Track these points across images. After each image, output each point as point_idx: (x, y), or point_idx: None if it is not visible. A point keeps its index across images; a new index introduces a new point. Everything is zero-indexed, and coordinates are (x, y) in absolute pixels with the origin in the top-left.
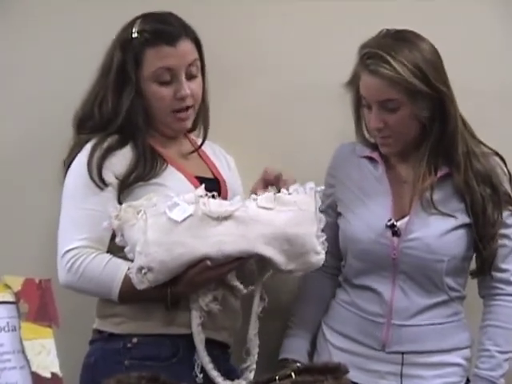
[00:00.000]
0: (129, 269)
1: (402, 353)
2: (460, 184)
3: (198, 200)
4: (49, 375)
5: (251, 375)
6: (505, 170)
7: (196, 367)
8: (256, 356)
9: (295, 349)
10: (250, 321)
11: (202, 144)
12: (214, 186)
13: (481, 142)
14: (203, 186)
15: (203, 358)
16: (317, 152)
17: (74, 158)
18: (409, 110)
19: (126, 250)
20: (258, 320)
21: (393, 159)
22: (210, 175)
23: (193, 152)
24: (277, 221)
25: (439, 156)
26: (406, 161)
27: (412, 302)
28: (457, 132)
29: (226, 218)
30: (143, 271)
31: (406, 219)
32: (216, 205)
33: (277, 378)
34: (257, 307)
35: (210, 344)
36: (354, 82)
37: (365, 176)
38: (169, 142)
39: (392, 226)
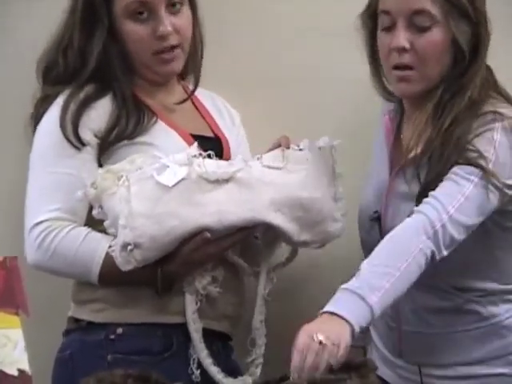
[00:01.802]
0: (110, 246)
1: (419, 365)
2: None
3: (192, 161)
4: (15, 373)
5: (258, 370)
6: (496, 135)
7: (192, 362)
8: (263, 348)
9: None
10: (255, 305)
11: (193, 91)
12: (214, 145)
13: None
14: (196, 143)
15: (200, 351)
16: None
17: (43, 114)
18: (442, 31)
19: (105, 223)
20: (264, 305)
21: (404, 127)
22: (209, 133)
23: (185, 101)
24: (287, 182)
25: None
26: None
27: (420, 306)
28: (474, 81)
29: (227, 180)
30: (129, 248)
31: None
32: (213, 166)
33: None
34: (263, 289)
35: (208, 335)
36: (371, 7)
37: (378, 143)
38: (157, 91)
39: (379, 219)
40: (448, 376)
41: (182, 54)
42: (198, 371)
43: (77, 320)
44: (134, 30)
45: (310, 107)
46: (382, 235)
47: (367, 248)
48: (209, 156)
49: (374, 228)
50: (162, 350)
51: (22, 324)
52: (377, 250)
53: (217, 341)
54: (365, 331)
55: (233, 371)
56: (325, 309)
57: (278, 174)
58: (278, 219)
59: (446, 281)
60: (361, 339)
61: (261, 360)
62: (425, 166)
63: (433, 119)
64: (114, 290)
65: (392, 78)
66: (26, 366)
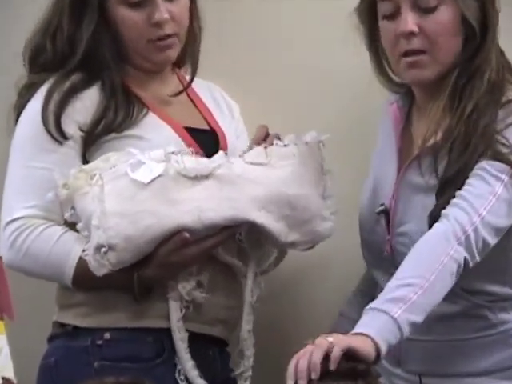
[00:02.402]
0: (84, 250)
1: (419, 374)
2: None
3: (170, 157)
4: None
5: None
6: None
7: (178, 374)
8: (251, 359)
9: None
10: (241, 314)
11: (190, 82)
12: (209, 139)
13: None
14: (178, 140)
15: (185, 362)
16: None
17: (26, 103)
18: (450, 9)
19: (78, 226)
20: (252, 313)
21: (414, 116)
22: (204, 126)
23: (180, 93)
24: (272, 178)
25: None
26: (424, 119)
27: None
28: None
29: (206, 176)
30: (102, 250)
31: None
32: (193, 162)
33: None
34: (250, 296)
35: (203, 341)
36: None
37: (385, 135)
38: (150, 82)
39: (387, 213)
40: None
41: (178, 43)
42: (185, 383)
43: (62, 325)
44: (128, 15)
45: (309, 99)
46: (389, 230)
47: (370, 248)
48: (189, 153)
49: (380, 223)
50: (154, 357)
51: (6, 329)
52: (402, 263)
53: (213, 346)
54: None
55: (229, 380)
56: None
57: (262, 170)
58: (262, 218)
59: (457, 282)
60: None
61: (249, 373)
62: (444, 156)
63: (451, 106)
64: (99, 292)
65: (401, 66)
66: (10, 374)
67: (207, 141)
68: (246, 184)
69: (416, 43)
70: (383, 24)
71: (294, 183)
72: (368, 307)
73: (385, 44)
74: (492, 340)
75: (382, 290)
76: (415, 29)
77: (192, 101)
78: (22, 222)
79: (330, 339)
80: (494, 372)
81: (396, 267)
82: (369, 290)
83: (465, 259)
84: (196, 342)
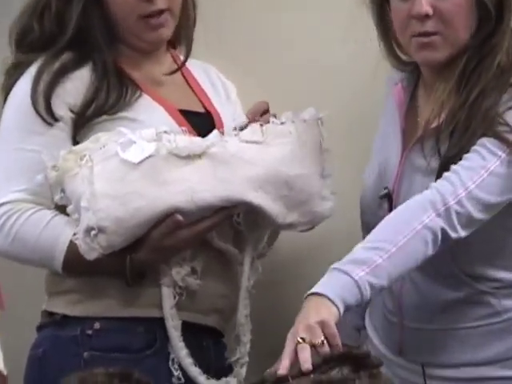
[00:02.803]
0: (75, 234)
1: (422, 364)
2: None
3: (161, 136)
4: None
5: (243, 370)
6: None
7: (171, 363)
8: (248, 345)
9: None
10: (238, 299)
11: (184, 61)
12: (204, 121)
13: None
14: (172, 123)
15: (179, 350)
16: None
17: (14, 83)
18: None
19: (68, 209)
20: (249, 298)
21: (419, 95)
22: (199, 108)
23: (174, 72)
24: (268, 157)
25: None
26: (430, 98)
27: (426, 298)
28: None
29: (199, 156)
30: (92, 233)
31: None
32: (185, 141)
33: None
34: (246, 281)
35: (197, 331)
36: None
37: (388, 116)
38: (144, 62)
39: (389, 197)
40: (453, 378)
41: (172, 20)
42: (178, 372)
43: (50, 314)
44: None
45: (308, 80)
46: None
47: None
48: (181, 133)
49: (383, 207)
50: (144, 347)
51: None
52: (375, 228)
53: (207, 337)
54: (360, 328)
55: (225, 371)
56: (310, 291)
57: (258, 148)
58: (259, 199)
59: (460, 266)
60: (355, 338)
61: (246, 359)
62: (446, 139)
63: (457, 89)
64: (90, 279)
65: (412, 47)
66: (1, 366)
67: (202, 123)
68: (241, 164)
69: (430, 25)
70: (395, 3)
71: (292, 162)
72: (331, 267)
73: (396, 23)
74: (496, 328)
75: None
76: (430, 11)
77: (187, 82)
78: (10, 206)
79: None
80: (495, 362)
81: None
82: None
83: (442, 230)
84: (189, 332)
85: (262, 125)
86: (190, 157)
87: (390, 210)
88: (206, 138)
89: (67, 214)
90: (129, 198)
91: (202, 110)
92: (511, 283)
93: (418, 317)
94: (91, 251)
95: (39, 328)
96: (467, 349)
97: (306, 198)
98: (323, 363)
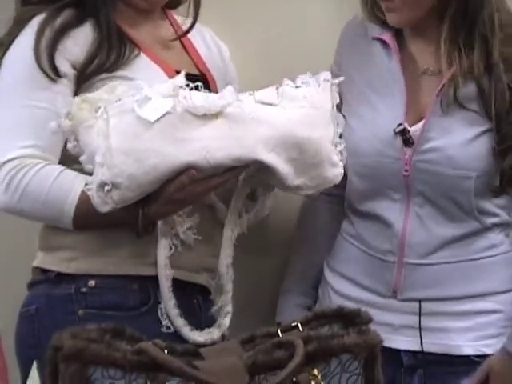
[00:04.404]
0: (86, 184)
1: (419, 300)
2: (480, 69)
3: (177, 92)
4: None
5: (226, 321)
6: None
7: (160, 313)
8: (230, 294)
9: (292, 311)
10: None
11: (190, 28)
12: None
13: None
14: (183, 73)
15: (168, 299)
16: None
17: (14, 39)
18: None
19: (81, 159)
20: (232, 247)
21: (410, 40)
22: (194, 70)
23: (175, 39)
24: (282, 120)
25: (463, 31)
26: (425, 43)
27: (431, 233)
28: None
29: (215, 115)
30: (106, 188)
31: (420, 123)
32: (201, 98)
33: (278, 330)
34: (230, 231)
35: (188, 289)
36: None
37: (376, 66)
38: (142, 22)
39: (402, 133)
40: (451, 312)
41: None
42: (167, 321)
43: (44, 271)
44: None
45: (308, 42)
46: (410, 158)
47: (375, 176)
48: (196, 88)
49: (394, 144)
50: (139, 305)
51: None
52: None
53: (197, 295)
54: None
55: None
56: None
57: (273, 110)
58: (273, 159)
59: (475, 203)
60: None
61: (229, 308)
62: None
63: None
64: (87, 235)
65: (383, 10)
66: None
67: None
68: (256, 125)
69: None
70: None
71: (304, 126)
72: None
73: None
74: (491, 262)
75: (377, 218)
76: None
77: (182, 44)
78: (18, 161)
79: None
80: (490, 294)
81: (413, 189)
82: None
83: None
84: (180, 289)
85: (277, 87)
86: (207, 116)
87: (406, 144)
88: (222, 96)
89: (75, 169)
90: (144, 155)
91: (196, 72)
92: (507, 221)
93: (420, 253)
94: (104, 204)
95: (31, 285)
96: (465, 282)
97: (316, 163)
98: (314, 319)
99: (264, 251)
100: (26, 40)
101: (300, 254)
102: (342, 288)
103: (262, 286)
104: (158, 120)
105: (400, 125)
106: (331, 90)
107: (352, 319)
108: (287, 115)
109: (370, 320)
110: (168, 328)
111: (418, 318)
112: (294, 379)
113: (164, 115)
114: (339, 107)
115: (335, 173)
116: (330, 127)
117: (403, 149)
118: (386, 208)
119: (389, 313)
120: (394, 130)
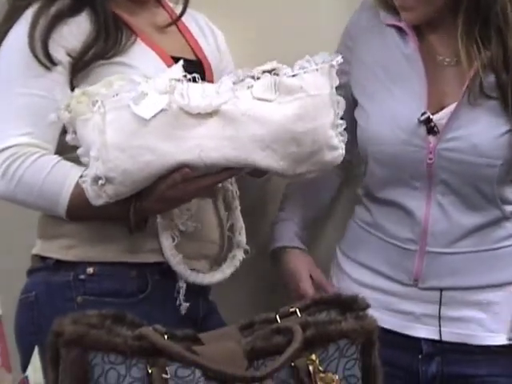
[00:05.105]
0: (82, 176)
1: (440, 289)
2: (499, 61)
3: (174, 87)
4: None
5: (239, 253)
6: None
7: (177, 293)
8: (238, 210)
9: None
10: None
11: (182, 13)
12: (195, 69)
13: None
14: (181, 63)
15: (188, 276)
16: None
17: (9, 28)
18: None
19: (79, 151)
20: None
21: (426, 30)
22: (191, 56)
23: (170, 24)
24: (278, 116)
25: (478, 25)
26: (442, 35)
27: (454, 222)
28: None
29: (211, 113)
30: (100, 182)
31: (445, 112)
32: (198, 96)
33: (277, 316)
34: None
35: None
36: None
37: (391, 52)
38: (138, 9)
39: (427, 121)
40: (472, 301)
41: None
42: (186, 303)
43: (43, 258)
44: None
45: (304, 28)
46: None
47: (397, 163)
48: (194, 79)
49: (417, 132)
50: (137, 292)
51: None
52: None
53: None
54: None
55: (210, 311)
56: None
57: (269, 107)
58: (267, 158)
59: (497, 192)
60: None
61: (241, 223)
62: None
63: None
64: (86, 223)
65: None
66: None
67: (193, 70)
68: (251, 123)
69: None
70: None
71: (302, 119)
72: None
73: None
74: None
75: (397, 206)
76: None
77: (179, 29)
78: (14, 150)
79: None
80: (509, 284)
81: (437, 177)
82: None
83: None
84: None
85: (275, 79)
86: (201, 115)
87: (431, 132)
88: (218, 91)
89: (72, 158)
90: (138, 152)
91: (193, 57)
92: None
93: (442, 241)
94: (97, 198)
95: (30, 272)
96: (487, 271)
97: (316, 150)
98: (312, 305)
99: (264, 250)
100: (21, 29)
101: (299, 193)
102: (360, 276)
103: (262, 285)
104: (153, 117)
105: (424, 113)
106: (329, 72)
107: (349, 305)
108: (283, 110)
109: (367, 306)
110: (184, 308)
111: (437, 307)
112: (293, 364)
113: (159, 112)
114: (348, 91)
115: (335, 155)
116: (329, 111)
117: (427, 137)
118: (406, 196)
119: (408, 301)
120: (418, 119)
